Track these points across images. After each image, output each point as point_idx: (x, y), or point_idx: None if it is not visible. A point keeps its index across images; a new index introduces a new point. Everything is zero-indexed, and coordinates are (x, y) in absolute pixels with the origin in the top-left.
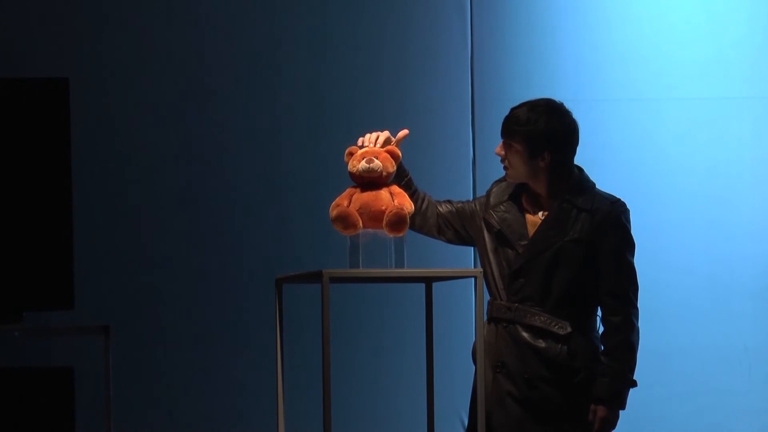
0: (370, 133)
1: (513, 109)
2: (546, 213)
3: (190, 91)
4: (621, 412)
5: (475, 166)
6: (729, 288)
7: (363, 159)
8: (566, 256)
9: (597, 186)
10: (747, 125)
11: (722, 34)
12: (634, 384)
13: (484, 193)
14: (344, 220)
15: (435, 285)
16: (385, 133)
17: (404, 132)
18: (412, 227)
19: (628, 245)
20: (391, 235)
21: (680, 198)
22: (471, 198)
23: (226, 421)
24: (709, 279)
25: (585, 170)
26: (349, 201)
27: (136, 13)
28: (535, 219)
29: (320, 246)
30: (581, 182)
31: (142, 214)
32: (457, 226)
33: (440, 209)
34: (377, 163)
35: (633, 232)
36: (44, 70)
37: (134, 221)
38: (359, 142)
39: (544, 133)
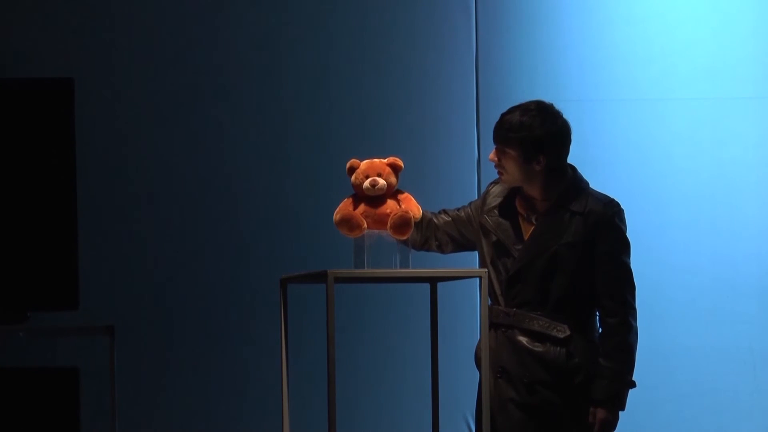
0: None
1: (504, 115)
2: (540, 216)
3: (195, 92)
4: (624, 412)
5: (479, 166)
6: (734, 288)
7: (367, 179)
8: (562, 260)
9: (598, 186)
10: (752, 125)
11: (727, 33)
12: (632, 385)
13: (480, 196)
14: (349, 221)
15: (439, 286)
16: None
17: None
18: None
19: (623, 246)
20: (396, 238)
21: (684, 198)
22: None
23: (231, 421)
24: (713, 279)
25: (580, 170)
26: (354, 206)
27: (142, 13)
28: (529, 222)
29: (325, 247)
30: (575, 183)
31: (147, 215)
32: (455, 235)
33: (437, 222)
34: (382, 184)
35: (637, 232)
36: (49, 70)
37: (139, 221)
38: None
39: (539, 137)
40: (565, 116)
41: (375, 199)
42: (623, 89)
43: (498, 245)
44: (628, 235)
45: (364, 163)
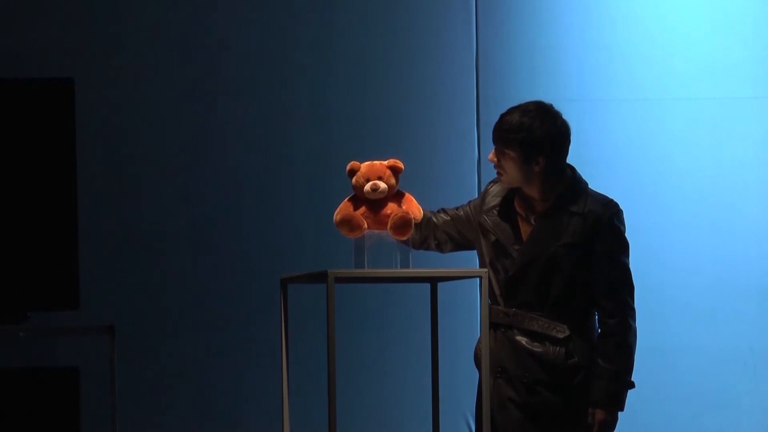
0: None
1: (503, 116)
2: (539, 217)
3: (195, 92)
4: (623, 412)
5: (479, 166)
6: (734, 288)
7: (368, 182)
8: (560, 261)
9: (598, 186)
10: (752, 125)
11: (727, 33)
12: (631, 385)
13: (479, 195)
14: (349, 222)
15: (439, 286)
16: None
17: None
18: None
19: (622, 247)
20: (396, 239)
21: (685, 198)
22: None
23: (231, 421)
24: (714, 279)
25: (580, 170)
26: (354, 206)
27: (142, 13)
28: (528, 223)
29: (326, 247)
30: (573, 184)
31: (147, 214)
32: (454, 234)
33: (436, 221)
34: (383, 188)
35: (637, 232)
36: (49, 70)
37: (139, 221)
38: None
39: (538, 138)
40: (565, 116)
41: (375, 199)
42: (623, 89)
43: (497, 245)
44: (628, 235)
45: (365, 166)
